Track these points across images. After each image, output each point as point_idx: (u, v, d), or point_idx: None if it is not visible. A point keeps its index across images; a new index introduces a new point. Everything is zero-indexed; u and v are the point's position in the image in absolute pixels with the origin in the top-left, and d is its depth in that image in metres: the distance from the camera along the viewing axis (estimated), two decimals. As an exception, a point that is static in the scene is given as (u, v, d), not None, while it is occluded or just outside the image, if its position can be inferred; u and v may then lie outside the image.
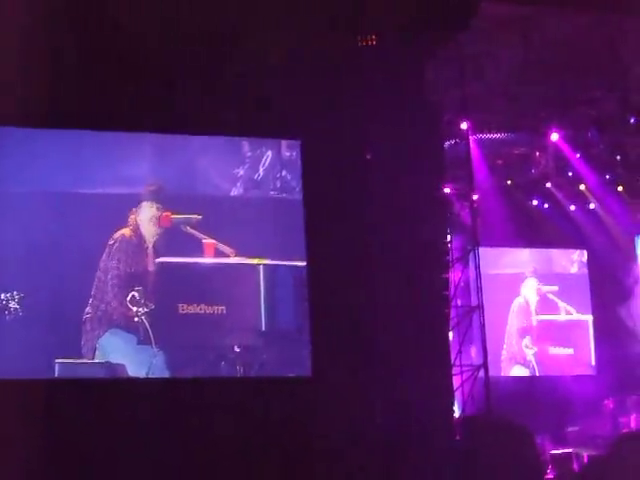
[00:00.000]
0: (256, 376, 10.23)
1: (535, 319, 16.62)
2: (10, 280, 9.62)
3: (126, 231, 10.06)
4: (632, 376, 15.99)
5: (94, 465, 9.08)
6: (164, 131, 10.32)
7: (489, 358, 12.76)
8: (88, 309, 9.79)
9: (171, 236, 10.22)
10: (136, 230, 10.10)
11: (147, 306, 9.97)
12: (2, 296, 9.50)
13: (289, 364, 10.40)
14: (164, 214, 10.18)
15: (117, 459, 9.16)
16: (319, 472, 9.62)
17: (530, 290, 16.62)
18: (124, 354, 9.89)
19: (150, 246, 10.12)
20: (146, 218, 10.14)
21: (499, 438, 9.04)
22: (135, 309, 9.93)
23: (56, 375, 9.56)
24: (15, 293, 9.52)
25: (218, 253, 10.32)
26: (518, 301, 16.61)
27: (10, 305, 9.48)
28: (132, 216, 10.09)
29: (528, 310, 16.63)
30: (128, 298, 9.93)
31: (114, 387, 9.78)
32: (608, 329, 16.67)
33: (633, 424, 15.07)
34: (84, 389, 9.53)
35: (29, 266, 9.69)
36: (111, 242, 9.95)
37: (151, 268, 10.08)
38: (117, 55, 9.81)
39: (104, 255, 9.91)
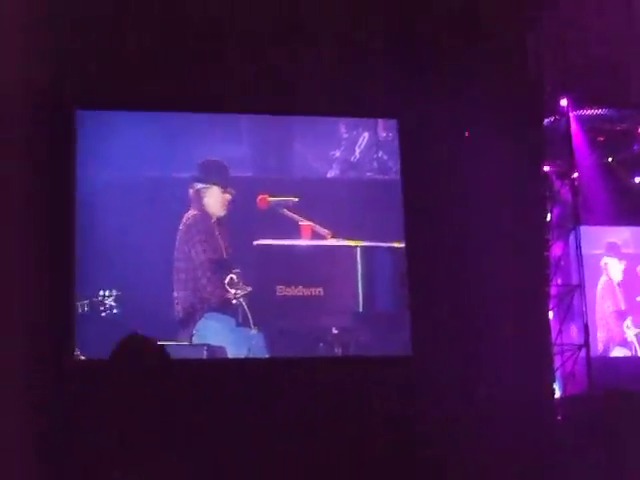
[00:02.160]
0: (355, 356, 10.22)
1: (625, 299, 16.26)
2: (108, 275, 9.76)
3: (195, 213, 10.11)
4: None
5: (191, 442, 9.15)
6: (260, 112, 10.34)
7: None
8: (177, 295, 9.87)
9: (268, 218, 10.23)
10: (205, 211, 10.14)
11: (245, 289, 10.00)
12: (100, 292, 9.63)
13: (387, 345, 10.35)
14: (261, 197, 10.20)
15: (217, 437, 9.23)
16: (418, 452, 9.59)
17: (612, 267, 16.24)
18: (223, 337, 9.96)
19: (222, 226, 10.14)
20: (211, 200, 10.17)
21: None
22: (233, 291, 9.98)
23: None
24: (114, 291, 9.65)
25: (315, 235, 10.31)
26: (603, 280, 16.25)
27: (106, 302, 9.59)
28: (198, 197, 10.14)
29: (613, 288, 16.26)
30: (226, 280, 9.97)
31: (215, 367, 9.85)
32: None
33: None
34: (185, 370, 9.62)
35: (123, 258, 9.81)
36: (182, 227, 10.02)
37: (242, 250, 10.11)
38: (210, 37, 9.85)
39: (180, 240, 9.99)
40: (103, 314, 9.61)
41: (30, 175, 9.20)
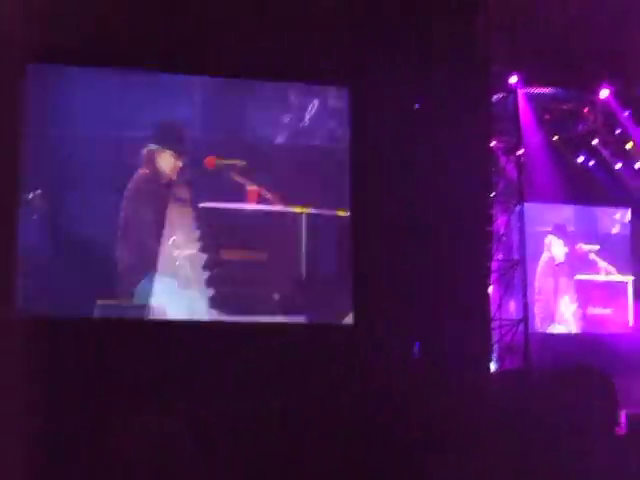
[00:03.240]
0: (297, 323, 10.26)
1: (564, 277, 16.52)
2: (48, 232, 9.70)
3: (146, 172, 10.05)
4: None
5: (132, 401, 9.14)
6: (211, 74, 10.29)
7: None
8: (120, 254, 9.82)
9: (215, 181, 10.20)
10: (156, 173, 10.09)
11: (189, 250, 9.97)
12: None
13: (330, 313, 10.41)
14: (208, 158, 10.17)
15: (156, 396, 9.22)
16: (354, 417, 9.67)
17: (556, 247, 16.49)
18: (164, 297, 9.92)
19: (170, 188, 10.11)
20: (164, 162, 10.13)
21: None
22: (177, 253, 9.95)
23: (96, 316, 9.62)
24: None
25: (261, 200, 10.31)
26: (545, 256, 16.48)
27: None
28: (150, 158, 10.08)
29: (554, 266, 16.51)
30: (170, 242, 9.94)
31: (156, 328, 9.83)
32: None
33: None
34: (126, 329, 9.60)
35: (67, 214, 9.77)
36: (131, 185, 9.95)
37: (187, 212, 10.08)
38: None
39: (127, 199, 9.93)
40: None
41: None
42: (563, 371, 4.65)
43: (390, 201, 10.25)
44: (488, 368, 11.20)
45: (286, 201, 10.37)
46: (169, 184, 10.06)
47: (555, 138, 15.85)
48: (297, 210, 10.37)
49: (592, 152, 16.49)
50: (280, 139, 10.59)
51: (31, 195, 9.54)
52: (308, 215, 10.38)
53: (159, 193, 10.02)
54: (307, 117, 10.66)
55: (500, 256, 12.94)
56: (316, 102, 10.71)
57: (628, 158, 16.59)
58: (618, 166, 16.65)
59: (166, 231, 9.97)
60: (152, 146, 10.02)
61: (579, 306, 16.45)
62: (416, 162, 10.36)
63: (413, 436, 8.99)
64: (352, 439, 9.37)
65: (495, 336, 12.10)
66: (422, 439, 9.12)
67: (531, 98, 13.98)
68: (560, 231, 16.29)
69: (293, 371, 9.62)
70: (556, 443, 4.29)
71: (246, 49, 9.94)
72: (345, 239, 10.42)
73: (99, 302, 9.62)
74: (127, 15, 9.64)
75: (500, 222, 12.85)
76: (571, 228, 16.59)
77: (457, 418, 9.72)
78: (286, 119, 10.61)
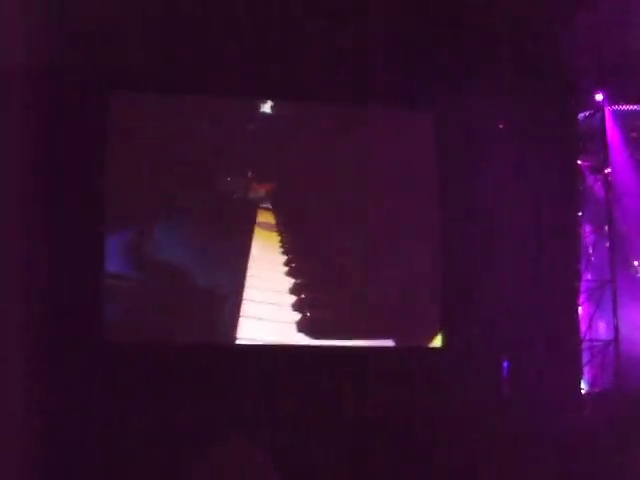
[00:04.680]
0: (384, 346, 10.21)
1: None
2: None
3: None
4: None
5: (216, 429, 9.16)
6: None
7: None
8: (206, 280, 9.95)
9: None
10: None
11: (275, 275, 10.07)
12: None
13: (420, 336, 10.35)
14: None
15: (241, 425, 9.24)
16: (443, 443, 9.62)
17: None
18: (250, 322, 9.99)
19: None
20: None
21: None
22: (262, 277, 10.04)
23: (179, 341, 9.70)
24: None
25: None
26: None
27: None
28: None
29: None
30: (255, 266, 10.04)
31: (241, 353, 9.88)
32: None
33: None
34: (212, 355, 9.65)
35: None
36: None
37: (273, 237, 10.31)
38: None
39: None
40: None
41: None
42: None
43: (477, 221, 10.19)
44: (579, 389, 11.05)
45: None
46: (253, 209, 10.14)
47: (643, 156, 15.59)
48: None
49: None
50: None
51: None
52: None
53: (244, 219, 10.10)
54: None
55: (589, 276, 12.71)
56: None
57: None
58: None
59: (252, 257, 10.01)
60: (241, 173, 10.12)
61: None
62: (502, 182, 10.29)
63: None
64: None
65: (586, 357, 11.89)
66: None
67: (618, 115, 13.75)
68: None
69: (375, 394, 9.61)
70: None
71: (330, 73, 9.96)
72: (435, 261, 10.35)
73: (182, 327, 9.65)
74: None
75: (589, 241, 12.64)
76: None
77: (547, 440, 9.62)
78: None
